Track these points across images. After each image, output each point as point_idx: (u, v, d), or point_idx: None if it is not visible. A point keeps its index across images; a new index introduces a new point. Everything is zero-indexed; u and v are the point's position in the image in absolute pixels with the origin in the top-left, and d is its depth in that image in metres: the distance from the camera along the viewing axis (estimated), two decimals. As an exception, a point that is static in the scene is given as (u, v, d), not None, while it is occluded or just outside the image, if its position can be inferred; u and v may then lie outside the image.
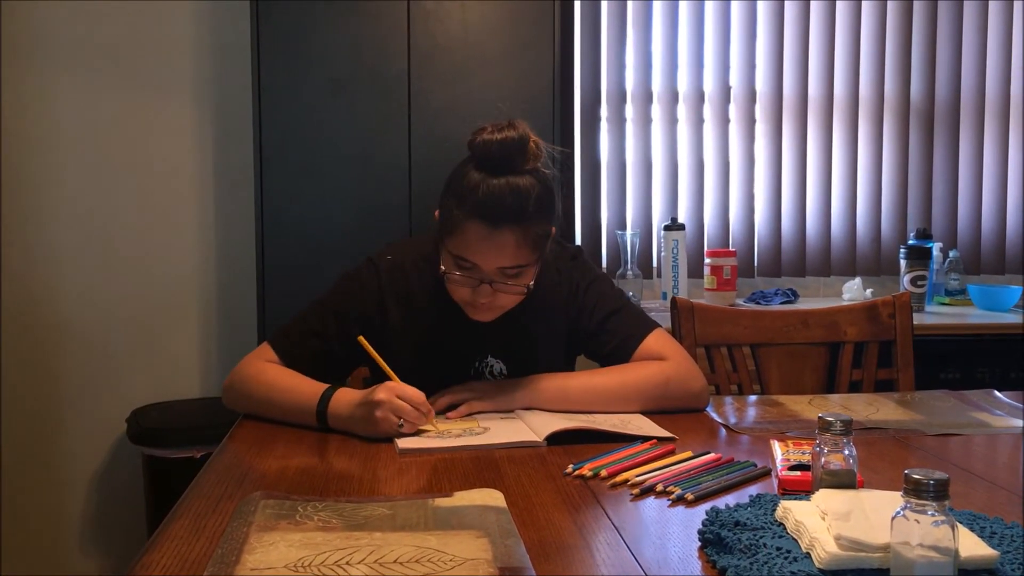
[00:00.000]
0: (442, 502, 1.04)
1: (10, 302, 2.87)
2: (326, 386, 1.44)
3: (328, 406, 1.41)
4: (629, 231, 3.07)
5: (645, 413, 1.52)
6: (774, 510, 0.98)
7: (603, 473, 1.17)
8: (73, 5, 2.85)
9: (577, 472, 1.18)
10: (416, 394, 1.38)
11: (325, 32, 2.48)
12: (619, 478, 1.16)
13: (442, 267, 1.48)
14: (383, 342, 1.49)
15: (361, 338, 1.45)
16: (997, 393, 1.72)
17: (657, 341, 1.60)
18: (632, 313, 1.65)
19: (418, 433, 1.38)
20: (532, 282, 1.49)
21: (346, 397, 1.41)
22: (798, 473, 1.12)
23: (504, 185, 1.42)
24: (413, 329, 1.57)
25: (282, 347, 1.56)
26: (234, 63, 2.88)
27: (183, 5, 2.91)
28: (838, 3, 3.24)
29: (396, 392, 1.37)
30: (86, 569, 2.96)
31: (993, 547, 0.85)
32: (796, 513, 0.92)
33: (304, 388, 1.47)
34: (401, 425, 1.36)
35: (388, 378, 1.42)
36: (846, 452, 1.01)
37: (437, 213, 1.51)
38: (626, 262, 3.03)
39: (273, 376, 1.52)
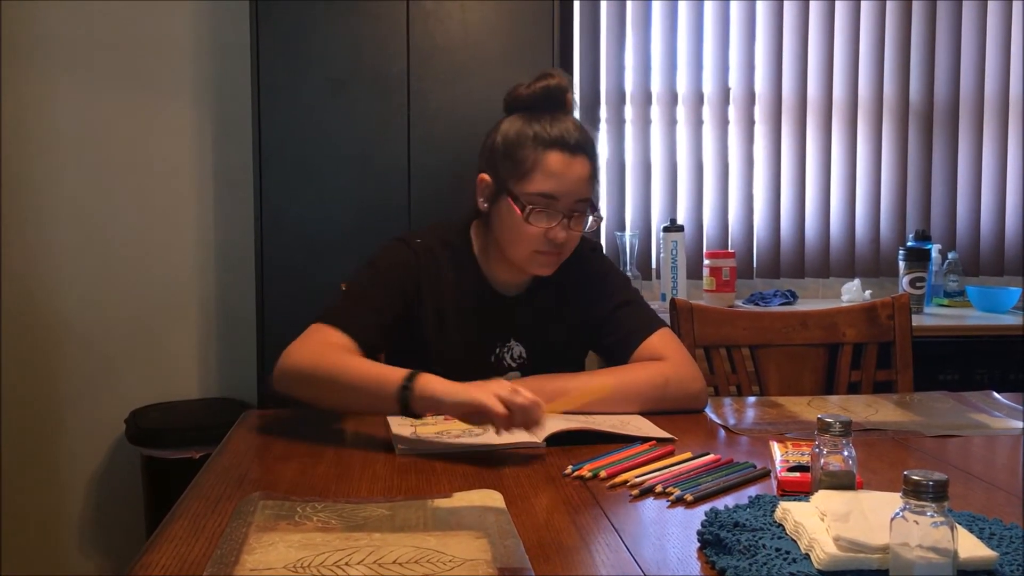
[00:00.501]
0: (441, 503, 1.04)
1: (9, 302, 2.87)
2: (403, 372, 1.35)
3: (415, 379, 1.32)
4: (628, 232, 3.07)
5: (644, 414, 1.52)
6: (773, 511, 0.98)
7: (603, 474, 1.17)
8: (72, 5, 2.85)
9: (577, 473, 1.19)
10: (527, 399, 1.26)
11: (325, 32, 2.48)
12: (619, 479, 1.16)
13: (518, 212, 1.52)
14: (415, 320, 1.51)
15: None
16: (996, 394, 1.72)
17: (661, 340, 1.61)
18: (641, 309, 1.68)
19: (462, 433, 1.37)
20: (589, 226, 1.57)
21: (434, 385, 1.32)
22: (797, 474, 1.12)
23: (570, 122, 1.56)
24: (441, 308, 1.60)
25: (344, 323, 1.49)
26: (233, 63, 2.87)
27: (182, 5, 2.91)
28: (837, 5, 3.24)
29: (505, 402, 1.26)
30: (85, 569, 2.95)
31: (992, 548, 0.85)
32: (795, 514, 0.92)
33: (380, 371, 1.39)
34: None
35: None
36: (845, 453, 1.01)
37: (485, 176, 1.58)
38: (625, 263, 3.03)
39: (344, 359, 1.43)
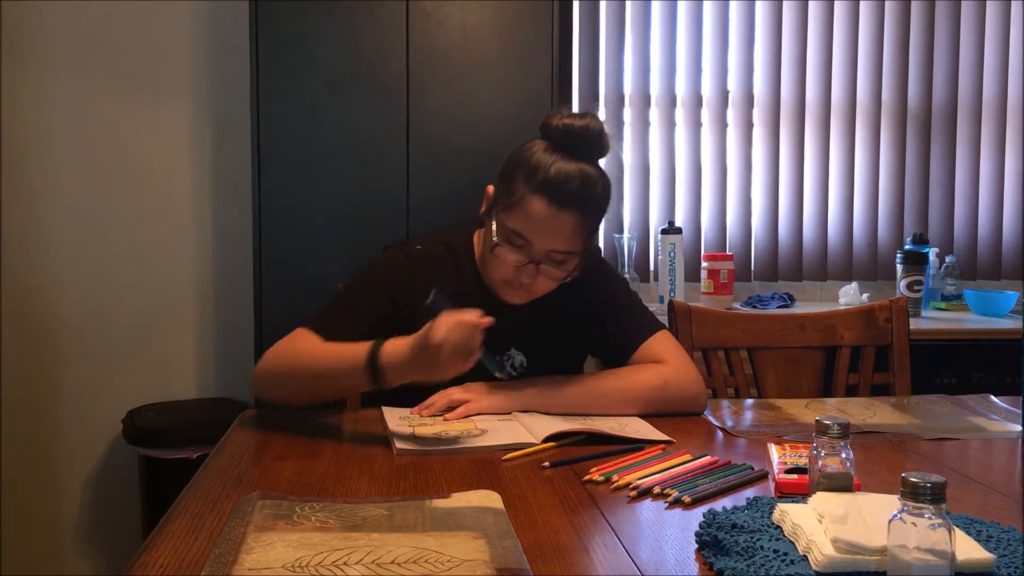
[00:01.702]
0: (439, 503, 1.04)
1: (7, 302, 2.86)
2: (368, 343, 1.38)
3: (380, 355, 1.34)
4: (626, 234, 3.07)
5: (643, 416, 1.52)
6: (771, 513, 0.98)
7: (615, 478, 1.16)
8: (71, 5, 2.84)
9: (587, 477, 1.18)
10: (470, 315, 1.31)
11: (324, 33, 2.48)
12: (620, 482, 1.15)
13: (493, 238, 1.49)
14: (409, 328, 1.49)
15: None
16: (993, 398, 1.72)
17: (660, 343, 1.61)
18: (641, 313, 1.67)
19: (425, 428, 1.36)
20: (575, 271, 1.52)
21: (396, 345, 1.35)
22: (795, 476, 1.12)
23: (576, 170, 1.47)
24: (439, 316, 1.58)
25: (322, 329, 1.50)
26: (232, 64, 2.87)
27: (181, 5, 2.91)
28: (836, 8, 3.25)
29: (451, 325, 1.29)
30: (82, 569, 2.95)
31: (990, 551, 0.86)
32: (793, 516, 0.93)
33: (346, 348, 1.40)
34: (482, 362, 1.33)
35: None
36: (843, 455, 1.01)
37: (491, 188, 1.55)
38: (623, 265, 3.04)
39: (306, 346, 1.46)
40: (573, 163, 1.47)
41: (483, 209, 1.58)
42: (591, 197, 1.48)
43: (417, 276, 1.59)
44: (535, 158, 1.48)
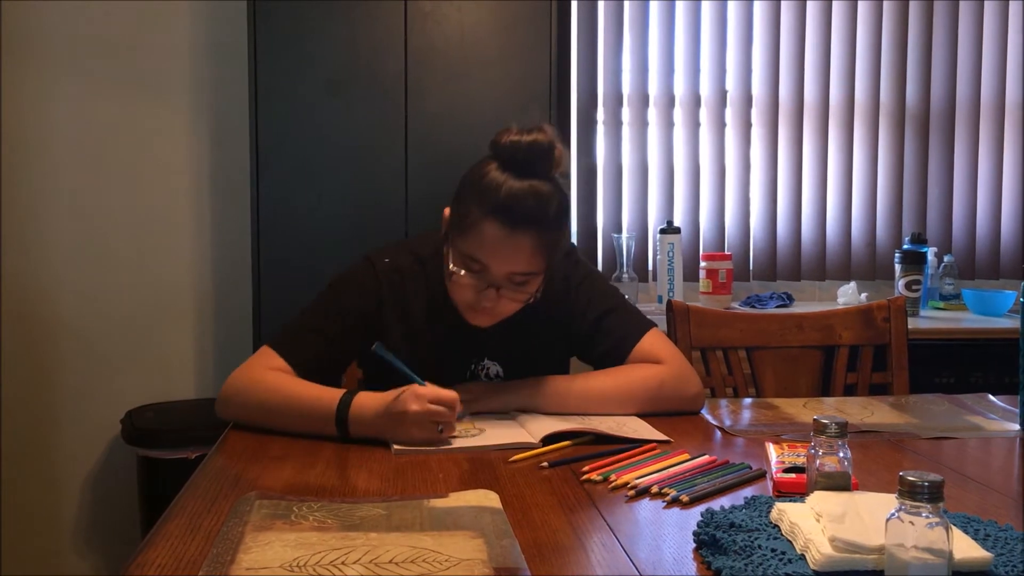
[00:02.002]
0: (437, 503, 1.04)
1: (6, 302, 2.86)
2: (340, 391, 1.38)
3: (349, 412, 1.35)
4: (625, 234, 3.07)
5: (641, 415, 1.52)
6: (769, 512, 0.98)
7: (613, 478, 1.16)
8: (70, 6, 2.84)
9: (585, 476, 1.18)
10: (449, 395, 1.33)
11: (322, 33, 2.48)
12: (618, 481, 1.15)
13: (450, 266, 1.45)
14: (381, 339, 1.47)
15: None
16: (991, 397, 1.73)
17: (653, 343, 1.60)
18: (627, 312, 1.64)
19: (451, 439, 1.35)
20: (538, 292, 1.48)
21: (368, 402, 1.35)
22: (793, 475, 1.12)
23: (527, 188, 1.41)
24: (409, 330, 1.55)
25: (285, 349, 1.49)
26: (231, 64, 2.87)
27: (180, 6, 2.91)
28: (834, 8, 3.25)
29: (428, 398, 1.31)
30: (80, 569, 2.95)
31: (987, 549, 0.86)
32: (791, 515, 0.93)
33: (318, 394, 1.39)
34: (442, 430, 1.33)
35: (407, 380, 1.37)
36: (841, 455, 1.01)
37: (447, 211, 1.50)
38: (622, 265, 3.04)
39: (280, 384, 1.43)
40: (525, 181, 1.41)
41: (442, 232, 1.52)
42: (545, 215, 1.41)
43: (385, 291, 1.55)
44: (486, 179, 1.42)
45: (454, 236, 1.46)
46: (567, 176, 1.48)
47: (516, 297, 1.47)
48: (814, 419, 1.02)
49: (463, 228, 1.44)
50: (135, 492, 2.72)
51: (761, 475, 1.20)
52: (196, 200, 2.96)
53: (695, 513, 1.02)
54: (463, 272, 1.44)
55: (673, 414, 1.54)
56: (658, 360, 1.57)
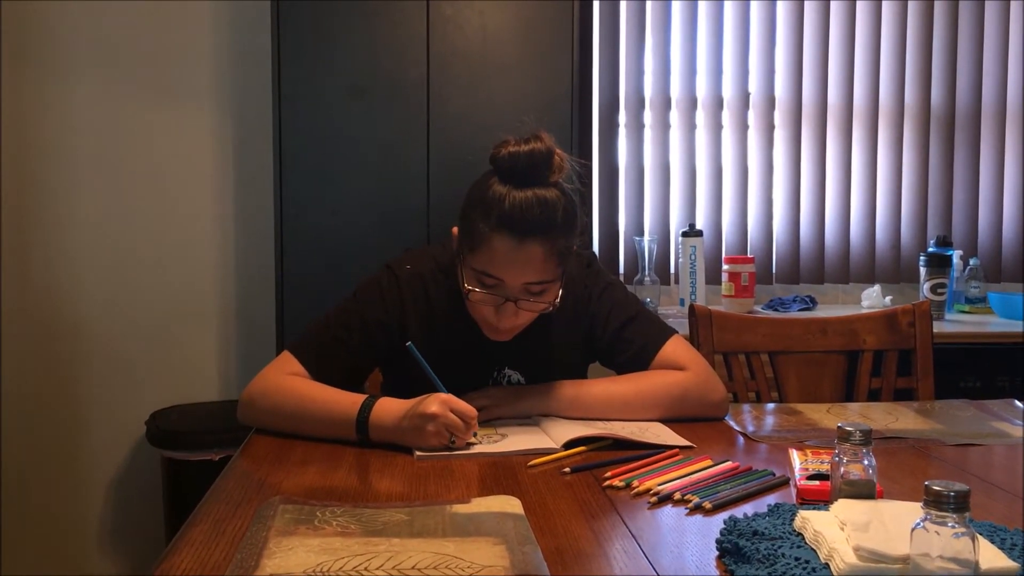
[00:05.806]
0: (460, 508, 1.04)
1: (31, 307, 2.89)
2: (363, 396, 1.39)
3: (370, 416, 1.36)
4: (647, 237, 3.06)
5: (664, 421, 1.52)
6: (792, 520, 0.98)
7: (635, 484, 1.16)
8: (92, 9, 2.87)
9: (608, 482, 1.18)
10: (468, 409, 1.34)
11: (345, 38, 2.49)
12: (641, 487, 1.15)
13: (465, 285, 1.46)
14: (401, 351, 1.48)
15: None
16: (1018, 403, 1.71)
17: (675, 349, 1.59)
18: (648, 320, 1.63)
19: (468, 446, 1.35)
20: (557, 299, 1.48)
21: (390, 407, 1.36)
22: (817, 483, 1.12)
23: (531, 197, 1.41)
24: (431, 339, 1.55)
25: (307, 356, 1.50)
26: (254, 69, 2.89)
27: (203, 7, 2.93)
28: (858, 9, 3.23)
29: (450, 406, 1.33)
30: (105, 570, 2.98)
31: (1014, 559, 0.85)
32: (815, 523, 0.92)
33: (339, 398, 1.41)
34: (453, 441, 1.33)
35: (428, 388, 1.39)
36: (865, 462, 1.01)
37: (456, 230, 1.50)
38: (643, 268, 3.03)
39: (302, 388, 1.45)
40: (528, 191, 1.41)
41: (453, 251, 1.53)
42: (552, 221, 1.41)
43: (407, 301, 1.56)
44: (489, 193, 1.43)
45: (465, 254, 1.47)
46: (572, 180, 1.48)
47: (535, 308, 1.47)
48: (838, 426, 1.01)
49: (473, 245, 1.44)
50: (160, 493, 2.74)
51: (784, 482, 1.19)
52: (219, 204, 2.98)
53: (718, 520, 1.02)
54: (479, 289, 1.45)
55: (696, 420, 1.54)
56: (681, 366, 1.57)
